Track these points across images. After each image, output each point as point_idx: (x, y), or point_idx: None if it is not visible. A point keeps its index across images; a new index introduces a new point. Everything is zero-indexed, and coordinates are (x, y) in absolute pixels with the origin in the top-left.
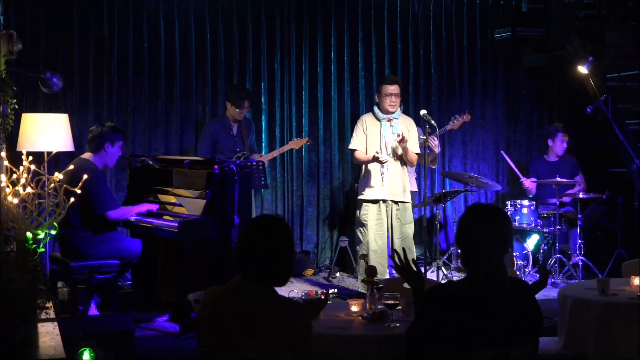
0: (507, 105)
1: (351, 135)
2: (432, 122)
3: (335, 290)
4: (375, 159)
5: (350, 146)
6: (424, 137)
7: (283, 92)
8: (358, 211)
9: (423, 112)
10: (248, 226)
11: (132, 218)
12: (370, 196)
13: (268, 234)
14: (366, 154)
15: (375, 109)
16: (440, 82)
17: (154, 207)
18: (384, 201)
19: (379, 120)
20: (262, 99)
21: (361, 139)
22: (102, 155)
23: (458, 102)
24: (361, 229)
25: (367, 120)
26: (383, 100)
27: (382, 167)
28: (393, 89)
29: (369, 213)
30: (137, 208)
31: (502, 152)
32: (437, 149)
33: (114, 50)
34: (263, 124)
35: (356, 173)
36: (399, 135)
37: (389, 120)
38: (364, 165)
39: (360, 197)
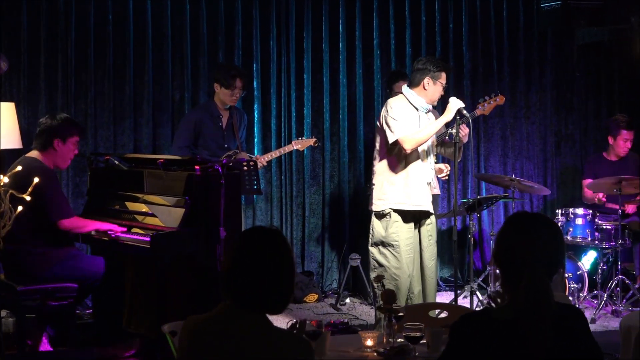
0: (556, 91)
1: (381, 126)
2: (464, 112)
3: (345, 320)
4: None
5: (398, 135)
6: (452, 130)
7: (280, 76)
8: (380, 225)
9: (453, 99)
10: (238, 241)
11: (93, 231)
12: (407, 205)
13: (262, 251)
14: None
15: (414, 96)
16: (474, 62)
17: (118, 228)
18: (421, 214)
19: (417, 110)
20: (255, 84)
21: (408, 122)
22: (51, 155)
23: (496, 87)
24: (387, 250)
25: (404, 106)
26: (437, 91)
27: (430, 167)
28: (445, 79)
29: (400, 230)
30: (96, 224)
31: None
32: (465, 139)
33: (70, 25)
34: (255, 115)
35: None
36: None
37: (428, 111)
38: (398, 163)
39: (387, 206)
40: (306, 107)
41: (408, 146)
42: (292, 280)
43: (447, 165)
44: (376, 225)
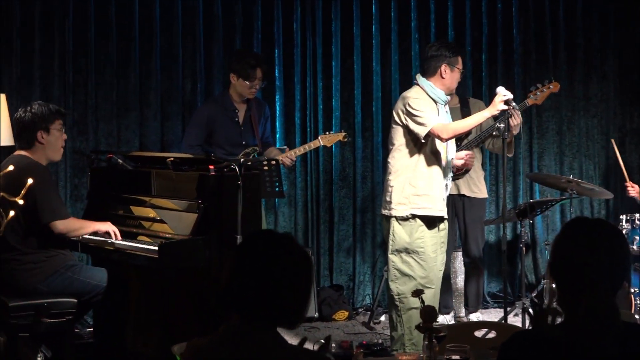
0: (621, 79)
1: (402, 118)
2: (514, 103)
3: (380, 341)
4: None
5: (430, 124)
6: (499, 125)
7: (305, 63)
8: (402, 230)
9: (500, 89)
10: (241, 245)
11: (96, 238)
12: (433, 211)
13: (269, 254)
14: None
15: (431, 87)
16: (526, 47)
17: (115, 232)
18: (440, 219)
19: (435, 102)
20: (276, 72)
21: (435, 111)
22: (40, 149)
23: (551, 75)
24: (412, 257)
25: (422, 97)
26: (455, 78)
27: (449, 167)
28: (462, 64)
29: (426, 235)
30: (94, 225)
31: (612, 141)
32: (516, 130)
33: (68, 4)
34: (277, 108)
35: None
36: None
37: (446, 103)
38: (423, 165)
39: (409, 212)
40: (334, 98)
41: (446, 135)
42: (307, 289)
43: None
44: (398, 230)
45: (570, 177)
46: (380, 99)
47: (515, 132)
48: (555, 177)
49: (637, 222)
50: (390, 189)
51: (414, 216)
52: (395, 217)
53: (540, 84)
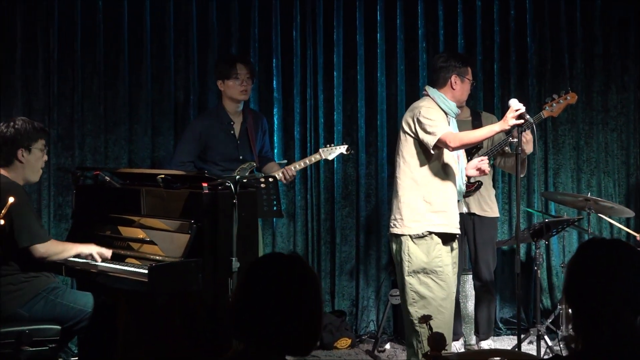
0: None
1: (410, 128)
2: (527, 116)
3: None
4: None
5: (440, 131)
6: (512, 139)
7: (305, 73)
8: (418, 250)
9: (513, 102)
10: (250, 268)
11: (80, 260)
12: (449, 228)
13: (280, 278)
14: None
15: (442, 98)
16: (541, 57)
17: (107, 252)
18: (453, 237)
19: (446, 114)
20: (274, 83)
21: (446, 120)
22: (18, 169)
23: (567, 86)
24: (430, 278)
25: (433, 108)
26: (467, 88)
27: (462, 186)
28: (472, 75)
29: (443, 253)
30: (77, 247)
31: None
32: (529, 148)
33: (53, 9)
34: (275, 121)
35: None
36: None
37: (457, 115)
38: (436, 180)
39: (425, 229)
40: (337, 111)
41: (454, 144)
42: (319, 313)
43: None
44: (414, 249)
45: (588, 196)
46: (385, 111)
47: (528, 149)
48: (572, 195)
49: None
50: (401, 205)
51: (430, 233)
52: (409, 235)
53: (557, 94)
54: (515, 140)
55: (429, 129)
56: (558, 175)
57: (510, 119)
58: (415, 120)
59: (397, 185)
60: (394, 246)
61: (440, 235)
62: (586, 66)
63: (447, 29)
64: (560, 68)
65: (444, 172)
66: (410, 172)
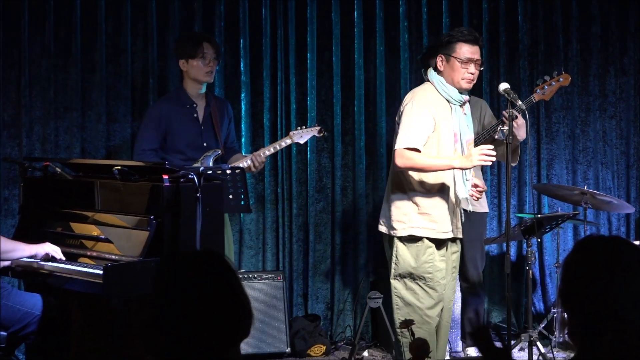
0: None
1: (397, 123)
2: (519, 102)
3: None
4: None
5: (404, 143)
6: (502, 127)
7: (275, 55)
8: (408, 252)
9: (504, 86)
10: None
11: (24, 260)
12: (433, 233)
13: (176, 282)
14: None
15: (441, 83)
16: (533, 37)
17: (56, 251)
18: (453, 240)
19: (449, 102)
20: (241, 65)
21: (426, 130)
22: None
23: (562, 68)
24: (417, 284)
25: (432, 100)
26: (457, 68)
27: (465, 183)
28: (474, 51)
29: (435, 258)
30: (32, 248)
31: None
32: (521, 135)
33: None
34: (243, 108)
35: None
36: (476, 189)
37: (464, 103)
38: (428, 177)
39: (406, 232)
40: (310, 96)
41: (400, 162)
42: (238, 309)
43: (483, 183)
44: (402, 252)
45: (585, 189)
46: (363, 97)
47: (520, 136)
48: (567, 188)
49: None
50: (389, 203)
51: (428, 238)
52: (399, 237)
53: (549, 76)
54: (506, 128)
55: (399, 132)
56: (552, 166)
57: (475, 158)
58: (401, 111)
59: (388, 181)
60: (386, 245)
61: (431, 239)
62: (582, 47)
63: (430, 7)
64: (554, 49)
65: (440, 173)
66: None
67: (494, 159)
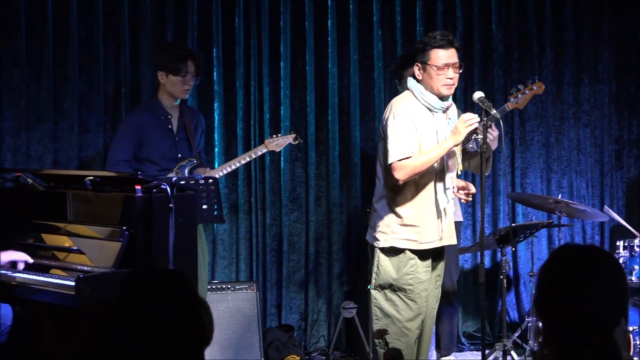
0: (617, 81)
1: (381, 137)
2: (493, 111)
3: None
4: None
5: (396, 155)
6: (476, 136)
7: (249, 64)
8: (389, 263)
9: (478, 95)
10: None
11: None
12: (416, 245)
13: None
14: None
15: (420, 92)
16: (507, 45)
17: (24, 257)
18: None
19: (430, 110)
20: (214, 75)
21: (412, 137)
22: None
23: (536, 77)
24: (397, 295)
25: (414, 109)
26: (434, 75)
27: (446, 192)
28: (450, 55)
29: (417, 270)
30: (3, 255)
31: (606, 207)
32: (494, 145)
33: None
34: (216, 117)
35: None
36: (464, 191)
37: (446, 109)
38: (409, 188)
39: (389, 244)
40: (283, 105)
41: (401, 175)
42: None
43: (472, 185)
44: (383, 262)
45: (559, 198)
46: (337, 106)
47: (493, 145)
48: (541, 197)
49: (637, 248)
50: (373, 213)
51: (411, 249)
52: (381, 248)
53: (523, 85)
54: (480, 137)
55: (388, 147)
56: (526, 175)
57: (462, 129)
58: (384, 125)
59: (374, 192)
60: (370, 254)
61: (413, 250)
62: (556, 55)
63: (404, 15)
64: (528, 57)
65: (421, 183)
66: (385, 178)
67: (477, 118)
